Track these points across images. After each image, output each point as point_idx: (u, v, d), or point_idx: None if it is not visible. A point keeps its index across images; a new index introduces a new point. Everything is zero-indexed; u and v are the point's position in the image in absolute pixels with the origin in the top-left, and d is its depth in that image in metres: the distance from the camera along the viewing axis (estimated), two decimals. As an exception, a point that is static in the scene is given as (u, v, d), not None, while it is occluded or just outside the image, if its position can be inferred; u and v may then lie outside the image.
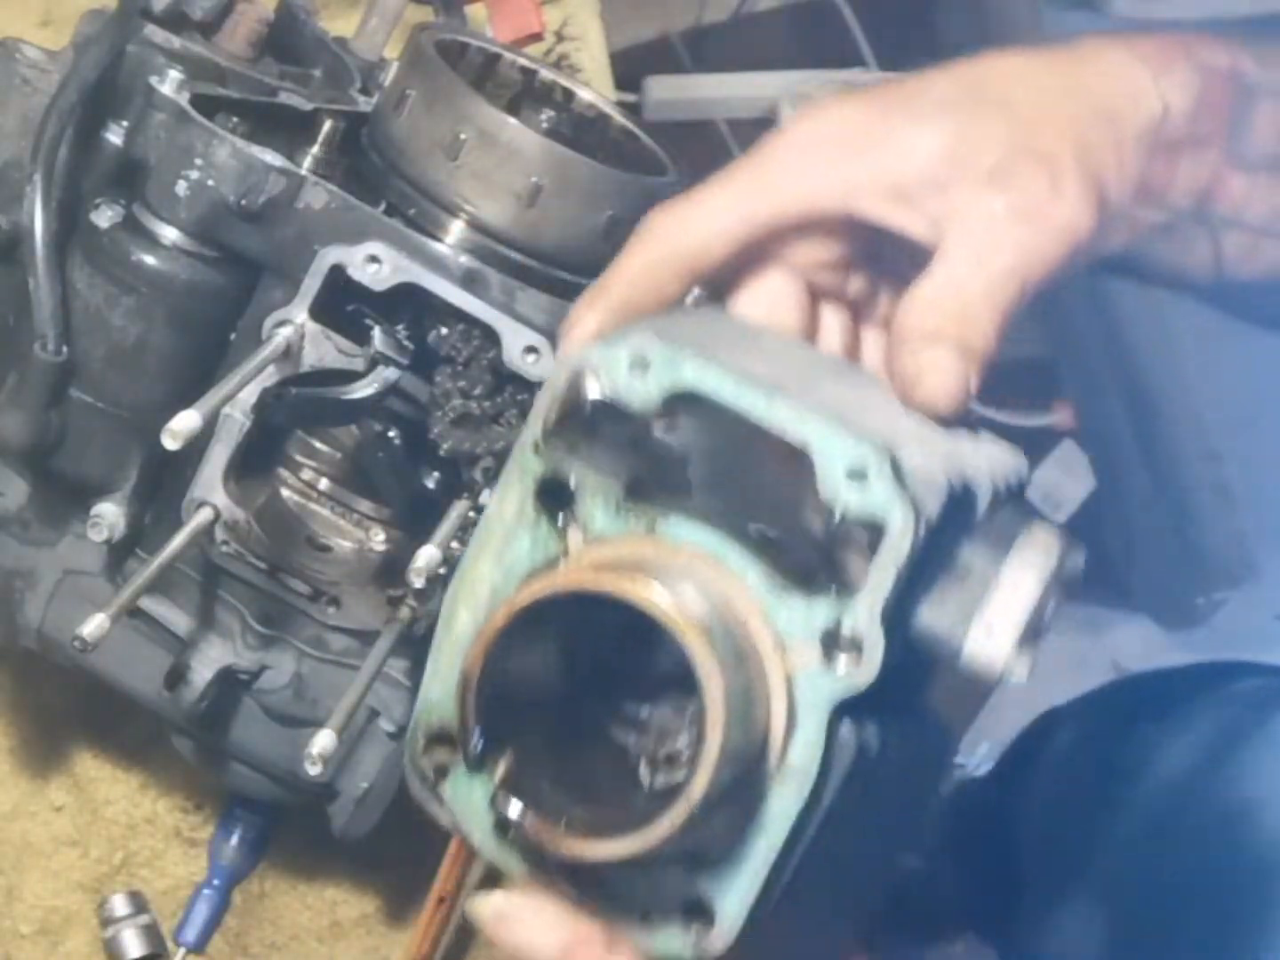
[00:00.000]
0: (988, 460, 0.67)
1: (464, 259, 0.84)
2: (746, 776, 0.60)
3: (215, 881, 1.05)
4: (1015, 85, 0.73)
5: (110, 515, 0.89)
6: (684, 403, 0.63)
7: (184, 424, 0.78)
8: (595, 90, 0.97)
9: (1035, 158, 0.70)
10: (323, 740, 0.80)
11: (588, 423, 0.64)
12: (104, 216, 0.86)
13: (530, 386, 0.84)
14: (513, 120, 0.86)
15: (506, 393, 0.85)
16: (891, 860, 0.74)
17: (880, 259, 0.74)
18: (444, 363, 0.85)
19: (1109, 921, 1.12)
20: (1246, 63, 0.81)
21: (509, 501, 0.64)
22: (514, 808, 0.60)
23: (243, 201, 0.83)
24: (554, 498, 0.64)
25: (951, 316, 0.68)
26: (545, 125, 0.91)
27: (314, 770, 0.80)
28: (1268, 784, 1.06)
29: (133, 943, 1.04)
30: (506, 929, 0.64)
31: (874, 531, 0.60)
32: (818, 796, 0.61)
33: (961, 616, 0.63)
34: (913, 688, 0.67)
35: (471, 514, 0.85)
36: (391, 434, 0.88)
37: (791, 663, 0.61)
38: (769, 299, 0.73)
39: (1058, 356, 2.39)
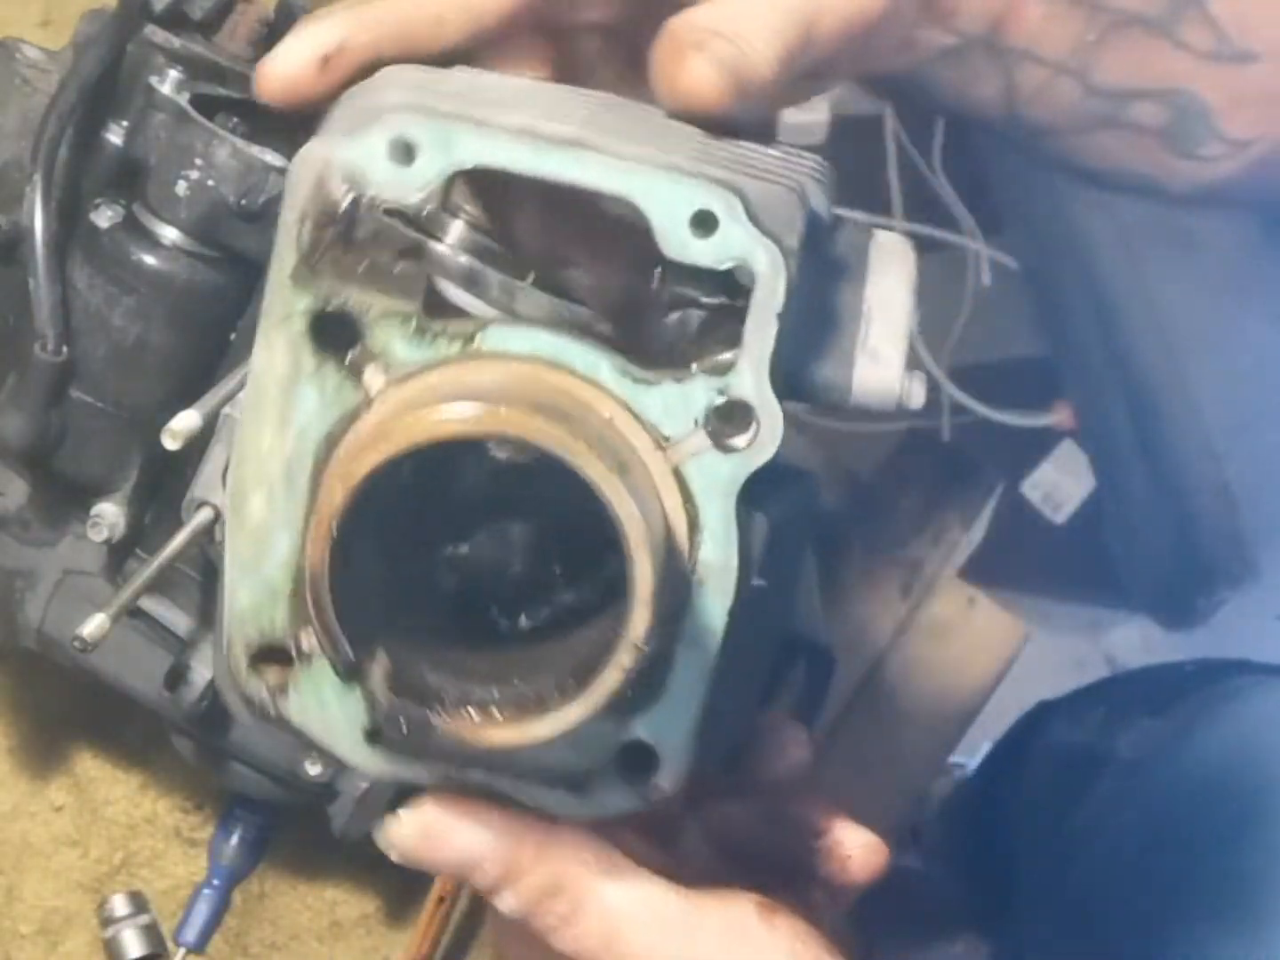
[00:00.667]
0: (809, 174, 0.57)
1: (464, 259, 0.84)
2: (671, 593, 0.52)
3: (215, 881, 1.05)
4: None
5: (110, 515, 0.89)
6: (470, 182, 0.54)
7: (184, 424, 0.78)
8: (595, 90, 0.97)
9: None
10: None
11: (351, 233, 0.53)
12: (104, 216, 0.86)
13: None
14: (513, 120, 0.86)
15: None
16: (788, 620, 0.68)
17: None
18: (444, 363, 0.84)
19: (1092, 918, 1.12)
20: None
21: (278, 352, 0.53)
22: (408, 708, 0.51)
23: (243, 201, 0.83)
24: (334, 336, 0.53)
25: (724, 31, 0.59)
26: (545, 125, 0.91)
27: (314, 770, 0.80)
28: (1256, 779, 1.06)
29: (133, 943, 1.03)
30: (436, 847, 0.57)
31: (733, 282, 0.52)
32: (741, 591, 0.54)
33: (843, 353, 0.57)
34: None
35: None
36: (391, 434, 0.88)
37: (678, 455, 0.53)
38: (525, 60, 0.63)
39: (1058, 356, 2.39)
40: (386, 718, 0.52)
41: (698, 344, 0.54)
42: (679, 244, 0.52)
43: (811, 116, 2.77)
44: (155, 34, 0.89)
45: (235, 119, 0.86)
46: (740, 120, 0.59)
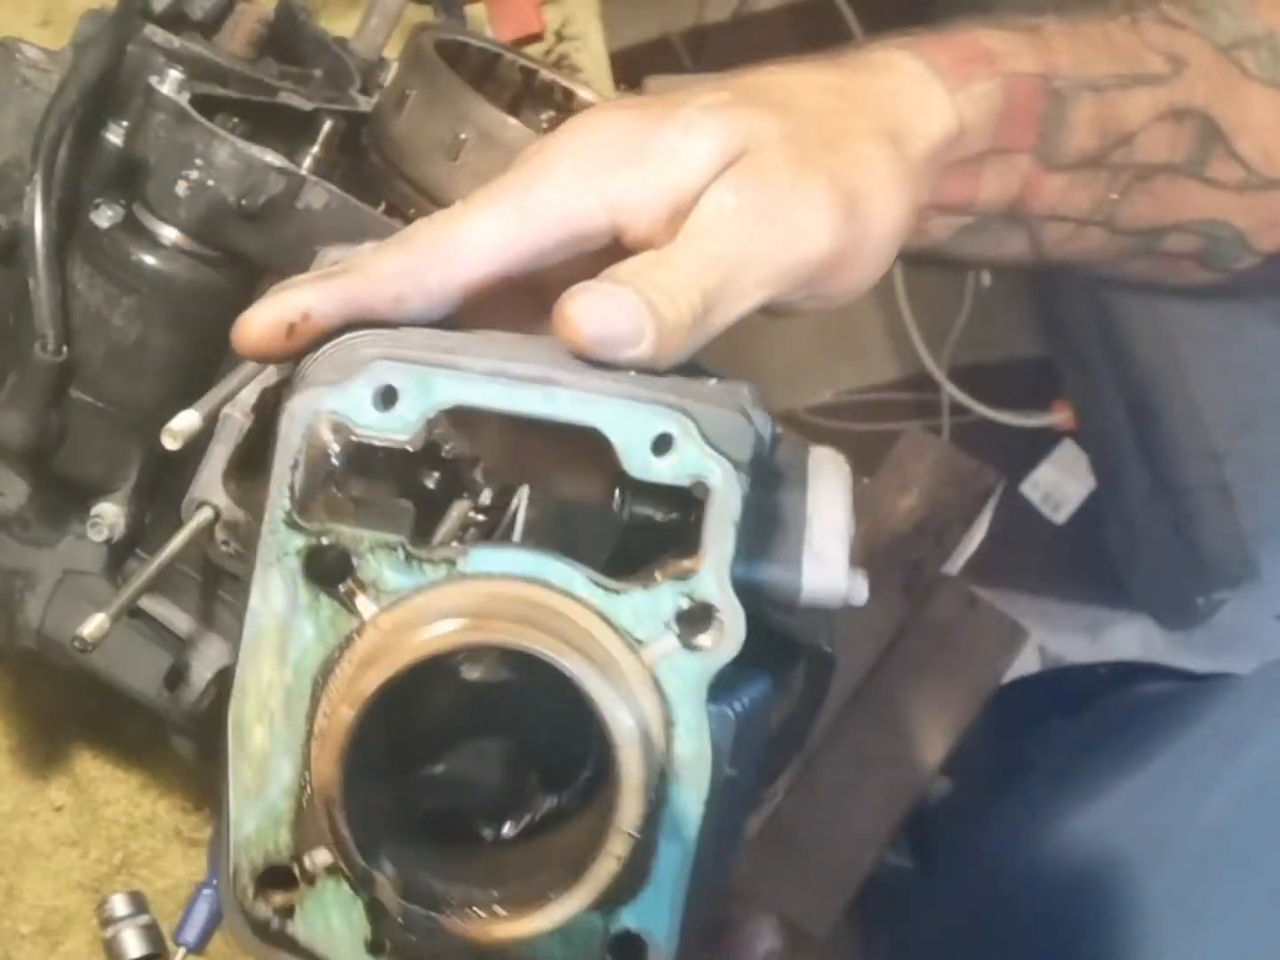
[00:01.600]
0: (748, 399, 0.62)
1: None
2: (652, 786, 0.56)
3: (215, 881, 1.05)
4: (796, 92, 0.70)
5: (110, 515, 0.89)
6: (447, 420, 0.59)
7: (184, 424, 0.78)
8: (595, 90, 0.97)
9: (788, 160, 0.66)
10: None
11: (340, 475, 0.58)
12: (104, 216, 0.86)
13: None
14: (513, 120, 0.86)
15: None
16: (756, 799, 0.72)
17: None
18: (444, 363, 0.84)
19: (991, 912, 1.12)
20: (1061, 60, 0.78)
21: (274, 590, 0.57)
22: (416, 914, 0.55)
23: (243, 201, 0.83)
24: (327, 569, 0.57)
25: (647, 278, 0.62)
26: (545, 125, 0.91)
27: (314, 770, 0.80)
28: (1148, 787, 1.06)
29: (133, 943, 1.03)
30: None
31: (688, 495, 0.57)
32: (715, 782, 0.58)
33: (791, 555, 0.62)
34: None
35: (471, 514, 0.85)
36: (391, 434, 0.88)
37: (650, 656, 0.57)
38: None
39: (1058, 356, 2.40)
40: (400, 922, 0.55)
41: (659, 554, 0.58)
42: (641, 464, 0.57)
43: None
44: (155, 34, 0.89)
45: (235, 119, 0.86)
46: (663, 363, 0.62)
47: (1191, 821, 0.99)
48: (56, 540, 0.93)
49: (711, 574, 0.56)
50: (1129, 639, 2.35)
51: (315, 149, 0.88)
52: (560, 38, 1.35)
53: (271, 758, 0.57)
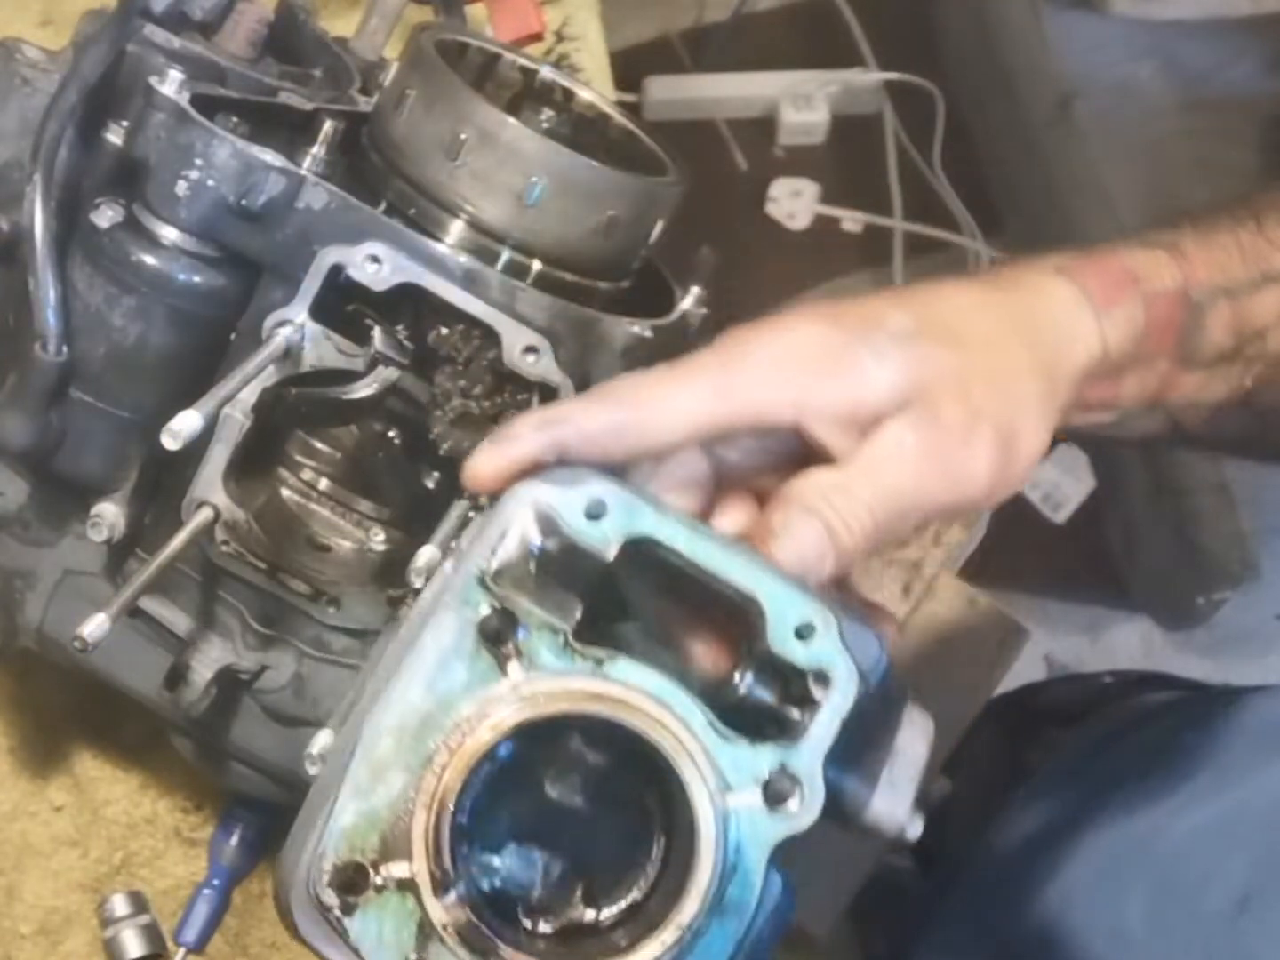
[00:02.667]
0: (867, 624, 0.70)
1: (464, 259, 0.84)
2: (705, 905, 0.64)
3: (215, 881, 1.05)
4: (970, 319, 0.77)
5: (110, 515, 0.89)
6: (634, 548, 0.66)
7: (184, 424, 0.78)
8: (595, 90, 0.97)
9: (964, 410, 0.75)
10: (323, 740, 0.80)
11: (535, 557, 0.65)
12: (104, 216, 0.86)
13: (531, 386, 0.84)
14: (513, 120, 0.86)
15: (507, 393, 0.85)
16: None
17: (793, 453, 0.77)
18: (444, 363, 0.85)
19: (990, 913, 1.13)
20: (1198, 273, 0.85)
21: (446, 629, 0.64)
22: (482, 933, 0.62)
23: (243, 201, 0.83)
24: (495, 629, 0.65)
25: (831, 504, 0.72)
26: (545, 125, 0.91)
27: (314, 770, 0.80)
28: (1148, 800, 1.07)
29: (133, 943, 1.04)
30: None
31: (813, 685, 0.65)
32: (750, 931, 0.64)
33: (870, 775, 0.70)
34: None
35: (471, 514, 0.85)
36: (391, 434, 0.88)
37: (734, 801, 0.64)
38: (684, 478, 0.76)
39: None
40: (455, 936, 0.63)
41: (768, 722, 0.66)
42: (781, 640, 0.65)
43: (811, 116, 2.77)
44: (155, 34, 0.89)
45: (235, 119, 0.86)
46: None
47: (1185, 831, 1.01)
48: (56, 540, 0.93)
49: (810, 754, 0.64)
50: (1129, 639, 2.35)
51: (315, 149, 0.87)
52: (560, 38, 1.35)
53: (390, 769, 0.64)
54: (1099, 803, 1.09)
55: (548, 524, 0.65)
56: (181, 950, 1.05)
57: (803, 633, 0.65)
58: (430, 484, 0.89)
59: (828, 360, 0.74)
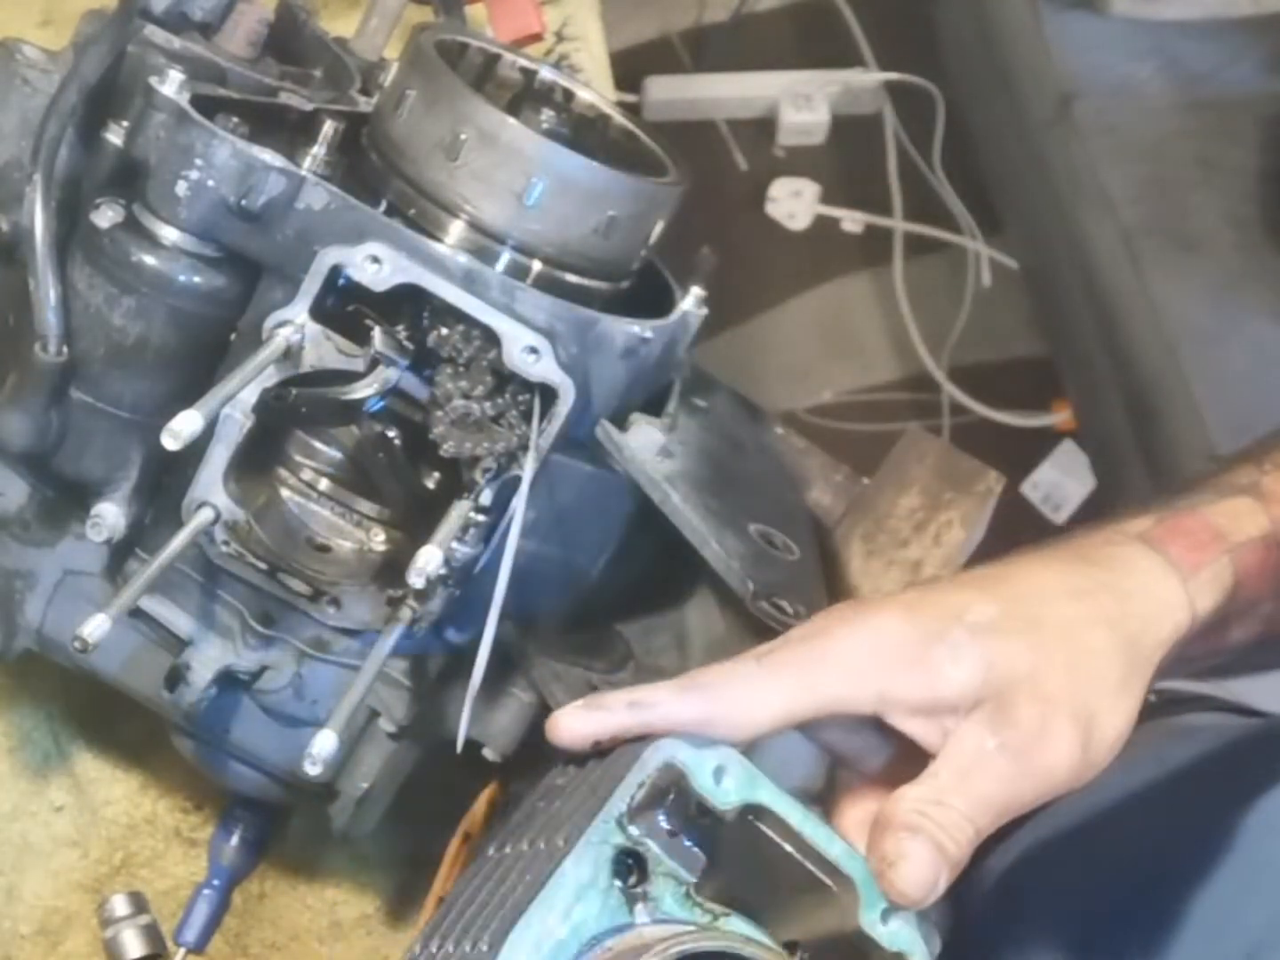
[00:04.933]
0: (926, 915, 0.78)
1: (464, 259, 0.84)
2: None
3: (215, 881, 1.05)
4: (1048, 609, 0.80)
5: (110, 515, 0.89)
6: (747, 813, 0.73)
7: (185, 424, 0.78)
8: (595, 90, 0.97)
9: (1039, 704, 0.77)
10: (323, 740, 0.80)
11: (666, 808, 0.72)
12: (104, 217, 0.86)
13: (531, 387, 0.84)
14: (513, 120, 0.86)
15: (507, 393, 0.85)
16: None
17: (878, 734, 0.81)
18: (444, 363, 0.85)
19: (990, 911, 1.12)
20: None
21: (585, 863, 0.70)
22: None
23: (243, 201, 0.83)
24: (626, 868, 0.72)
25: (933, 820, 0.76)
26: (545, 125, 0.91)
27: (314, 770, 0.80)
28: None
29: (133, 943, 1.03)
30: None
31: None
32: None
33: None
34: None
35: (472, 514, 0.85)
36: (391, 434, 0.88)
37: None
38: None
39: (1058, 356, 2.40)
40: None
41: None
42: (870, 922, 0.74)
43: (812, 117, 2.77)
44: (155, 34, 0.89)
45: (235, 119, 0.86)
46: None
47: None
48: (56, 540, 0.93)
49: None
50: (1129, 639, 2.34)
51: (315, 149, 0.87)
52: (560, 38, 1.35)
53: None
54: (1117, 804, 1.07)
55: (680, 779, 0.72)
56: (181, 950, 1.04)
57: (888, 914, 0.74)
58: (430, 484, 0.89)
59: (905, 658, 0.78)
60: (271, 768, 0.95)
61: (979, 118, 2.60)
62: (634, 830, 0.71)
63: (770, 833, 0.73)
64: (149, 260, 0.85)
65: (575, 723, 0.76)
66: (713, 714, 0.76)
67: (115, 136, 0.87)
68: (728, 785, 0.73)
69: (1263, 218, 2.14)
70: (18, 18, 1.24)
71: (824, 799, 0.85)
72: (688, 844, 0.73)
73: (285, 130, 0.90)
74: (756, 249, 2.59)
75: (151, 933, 1.04)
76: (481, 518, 0.85)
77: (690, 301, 0.92)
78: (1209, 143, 2.23)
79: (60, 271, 0.85)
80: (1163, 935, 0.99)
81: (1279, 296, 2.07)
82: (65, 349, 0.86)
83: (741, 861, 0.74)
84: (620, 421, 0.90)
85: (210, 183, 0.83)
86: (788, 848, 0.73)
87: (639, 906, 0.71)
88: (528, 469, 0.84)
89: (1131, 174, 2.23)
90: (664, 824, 0.72)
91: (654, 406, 0.94)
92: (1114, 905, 1.03)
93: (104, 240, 0.85)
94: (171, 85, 0.84)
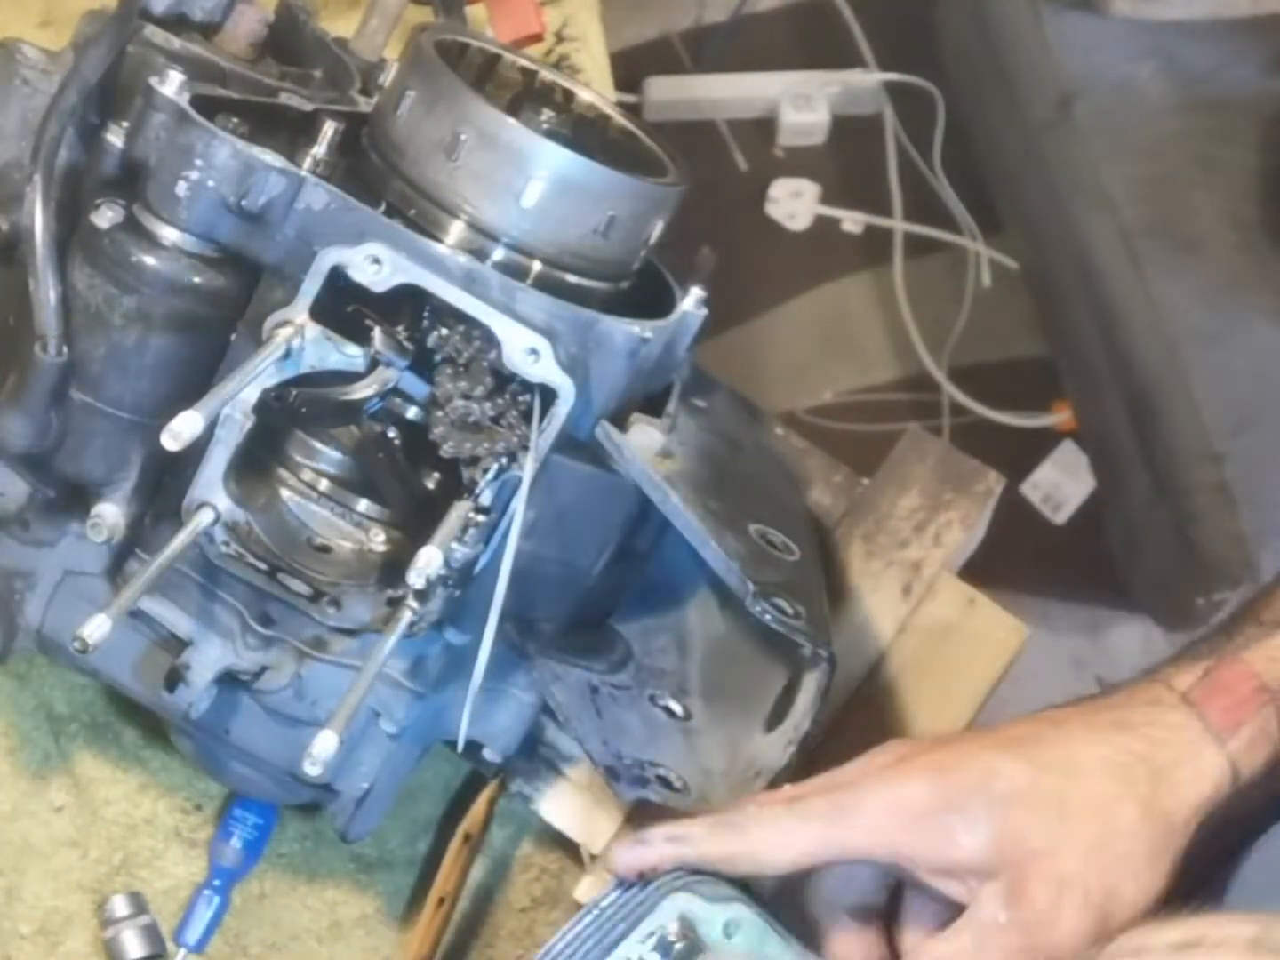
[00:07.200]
0: None
1: (464, 259, 0.84)
2: None
3: (215, 881, 1.05)
4: (1078, 782, 0.83)
5: (110, 515, 0.89)
6: None
7: (185, 425, 0.78)
8: (595, 90, 0.97)
9: (1052, 884, 0.80)
10: (323, 741, 0.80)
11: (676, 953, 0.80)
12: (104, 217, 0.86)
13: (531, 387, 0.84)
14: (513, 120, 0.86)
15: (507, 394, 0.85)
16: None
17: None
18: (444, 363, 0.85)
19: None
20: None
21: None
22: None
23: (243, 202, 0.83)
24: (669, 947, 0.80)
25: None
26: (545, 125, 0.91)
27: (314, 770, 0.80)
28: None
29: (133, 943, 1.03)
30: None
31: None
32: None
33: None
34: None
35: (471, 515, 0.85)
36: (391, 434, 0.88)
37: None
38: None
39: (1058, 356, 2.39)
40: None
41: None
42: None
43: (812, 117, 2.77)
44: (155, 35, 0.89)
45: (235, 119, 0.86)
46: None
47: None
48: (56, 540, 0.93)
49: None
50: (1129, 639, 2.34)
51: (315, 149, 0.87)
52: (560, 38, 1.35)
53: None
54: None
55: (689, 927, 0.80)
56: (181, 951, 1.04)
57: None
58: (430, 484, 0.89)
59: (925, 823, 0.82)
60: (271, 768, 0.95)
61: (979, 118, 2.60)
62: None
63: None
64: (149, 260, 0.85)
65: (622, 856, 0.84)
66: (741, 852, 0.83)
67: (115, 136, 0.87)
68: (738, 941, 0.81)
69: (1263, 218, 2.14)
70: (18, 18, 1.24)
71: (886, 913, 0.88)
72: None
73: (285, 131, 0.90)
74: (756, 249, 2.59)
75: (151, 933, 1.04)
76: (481, 518, 0.85)
77: (690, 302, 0.92)
78: (1209, 143, 2.23)
79: (60, 271, 0.85)
80: None
81: (1279, 296, 2.07)
82: (65, 349, 0.86)
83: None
84: (620, 422, 0.90)
85: (210, 183, 0.83)
86: None
87: None
88: (528, 469, 0.84)
89: (1131, 174, 2.23)
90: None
91: (654, 406, 0.94)
92: None
93: (104, 240, 0.85)
94: (171, 85, 0.84)
